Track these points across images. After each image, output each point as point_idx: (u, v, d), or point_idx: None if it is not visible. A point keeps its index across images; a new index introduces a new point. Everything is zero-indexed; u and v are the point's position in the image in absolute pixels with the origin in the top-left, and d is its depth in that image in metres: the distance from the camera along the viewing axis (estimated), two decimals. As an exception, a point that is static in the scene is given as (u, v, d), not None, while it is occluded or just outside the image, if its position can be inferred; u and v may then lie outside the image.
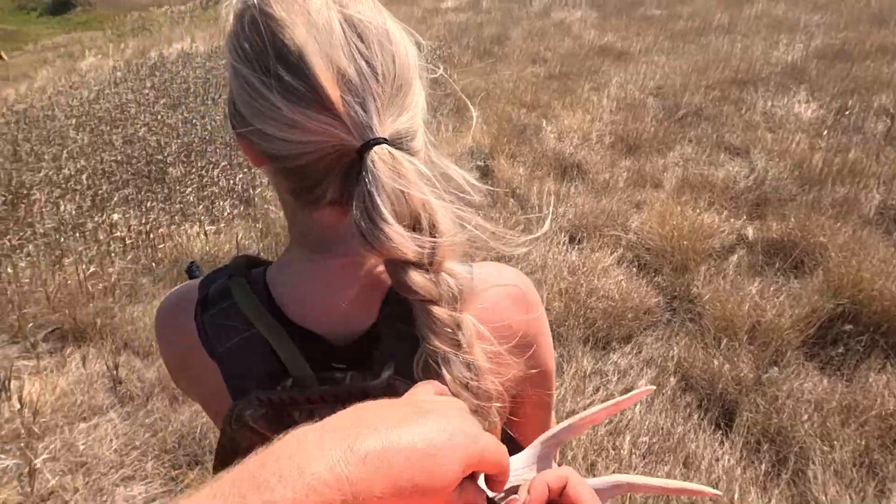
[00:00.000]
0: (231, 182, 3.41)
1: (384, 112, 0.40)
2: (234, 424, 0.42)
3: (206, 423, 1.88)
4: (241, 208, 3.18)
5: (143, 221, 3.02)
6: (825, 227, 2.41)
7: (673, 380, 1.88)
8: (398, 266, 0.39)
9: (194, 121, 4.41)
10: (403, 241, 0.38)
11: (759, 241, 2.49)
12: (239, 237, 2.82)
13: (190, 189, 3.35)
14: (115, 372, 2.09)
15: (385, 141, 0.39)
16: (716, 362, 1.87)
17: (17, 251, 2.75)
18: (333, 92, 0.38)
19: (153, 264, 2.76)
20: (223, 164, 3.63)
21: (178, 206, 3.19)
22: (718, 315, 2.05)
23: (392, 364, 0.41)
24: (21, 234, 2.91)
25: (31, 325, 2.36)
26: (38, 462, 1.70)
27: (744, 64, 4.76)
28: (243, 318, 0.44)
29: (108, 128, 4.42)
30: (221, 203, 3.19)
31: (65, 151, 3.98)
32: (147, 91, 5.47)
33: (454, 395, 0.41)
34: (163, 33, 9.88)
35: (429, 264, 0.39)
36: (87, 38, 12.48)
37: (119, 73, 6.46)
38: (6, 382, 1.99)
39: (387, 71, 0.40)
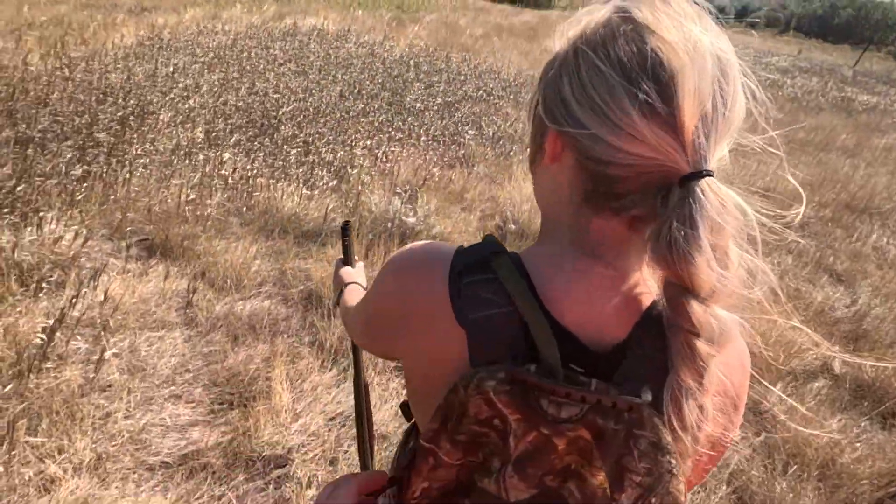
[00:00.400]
0: (332, 156, 3.56)
1: (717, 146, 0.41)
2: (472, 390, 0.42)
3: (256, 369, 1.94)
4: (335, 183, 3.30)
5: (248, 167, 3.19)
6: (927, 384, 2.23)
7: (725, 488, 1.77)
8: (681, 292, 0.40)
9: (313, 91, 4.65)
10: (710, 273, 0.38)
11: (847, 377, 2.33)
12: (329, 207, 2.93)
13: (294, 151, 3.52)
14: (191, 295, 2.19)
15: (712, 173, 0.40)
16: (778, 488, 1.74)
17: (136, 160, 2.96)
18: (691, 121, 0.40)
19: (244, 208, 2.90)
20: (329, 137, 3.80)
21: (280, 163, 3.35)
22: (790, 439, 1.91)
23: (648, 388, 0.41)
24: (143, 146, 3.14)
25: (129, 228, 2.53)
26: (108, 354, 1.79)
27: (863, 192, 4.53)
28: (504, 294, 0.44)
29: (238, 75, 4.74)
30: (320, 171, 3.33)
31: (194, 84, 4.29)
32: (277, 52, 5.84)
33: (679, 435, 0.41)
34: (300, 5, 10.56)
35: (707, 299, 0.39)
36: (233, -8, 13.51)
37: (255, 30, 6.94)
38: (97, 273, 2.13)
39: (731, 110, 0.41)
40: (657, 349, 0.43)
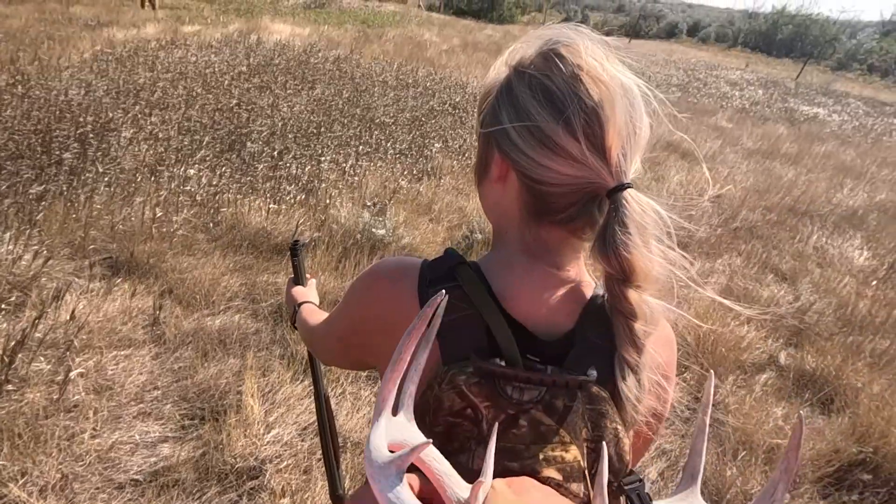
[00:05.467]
0: (300, 171, 3.58)
1: (632, 162, 0.51)
2: (445, 385, 0.48)
3: (227, 383, 1.94)
4: (303, 197, 3.32)
5: (214, 183, 3.18)
6: (862, 372, 2.41)
7: (681, 475, 1.87)
8: (620, 282, 0.49)
9: (279, 106, 4.67)
10: (641, 263, 0.48)
11: (791, 368, 2.49)
12: (298, 221, 2.95)
13: (261, 167, 3.53)
14: (157, 312, 2.18)
15: (631, 185, 0.50)
16: (728, 472, 1.86)
17: (99, 178, 2.92)
18: (615, 143, 0.49)
19: (212, 224, 2.90)
20: (296, 151, 3.82)
21: (247, 178, 3.35)
22: (739, 427, 2.05)
23: (593, 367, 0.49)
24: (104, 164, 3.09)
25: (92, 246, 2.49)
26: (73, 374, 1.77)
27: (805, 196, 4.84)
28: (465, 299, 0.51)
29: (203, 90, 4.71)
30: (287, 186, 3.35)
31: (156, 100, 4.25)
32: (241, 68, 5.83)
33: (624, 405, 0.49)
34: (264, 20, 10.53)
35: (640, 286, 0.49)
36: (194, 6, 13.35)
37: (218, 45, 6.89)
38: (61, 293, 2.10)
39: (639, 129, 0.51)
40: (601, 335, 0.51)
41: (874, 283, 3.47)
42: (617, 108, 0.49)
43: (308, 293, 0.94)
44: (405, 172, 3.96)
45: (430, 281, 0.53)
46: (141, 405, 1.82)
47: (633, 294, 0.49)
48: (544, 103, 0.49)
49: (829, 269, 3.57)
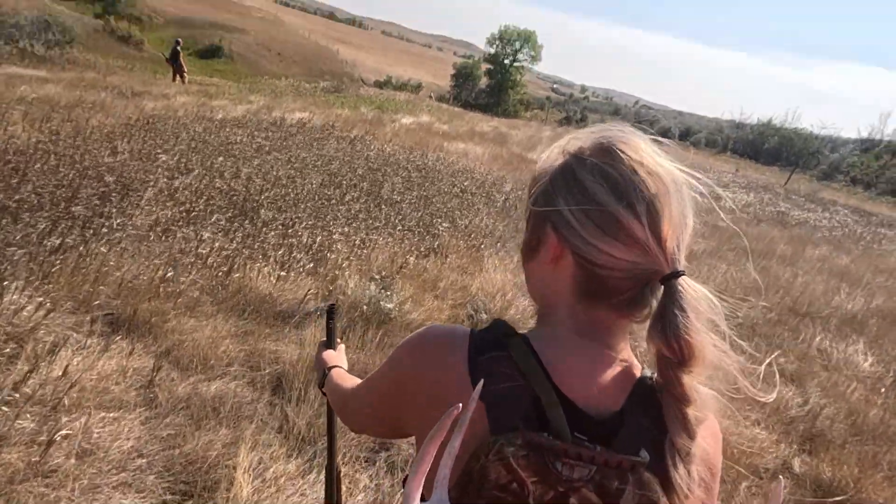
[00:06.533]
0: (310, 240, 3.64)
1: (683, 250, 0.53)
2: (492, 457, 0.46)
3: (217, 455, 1.83)
4: (311, 266, 3.35)
5: (226, 246, 3.22)
6: (882, 486, 2.29)
7: None
8: (674, 365, 0.49)
9: (295, 178, 4.85)
10: (698, 348, 0.48)
11: (807, 477, 2.37)
12: (307, 289, 2.95)
13: (273, 234, 3.59)
14: (154, 374, 2.11)
15: (685, 273, 0.52)
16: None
17: (113, 233, 2.96)
18: (670, 232, 0.52)
19: (219, 287, 2.89)
20: (308, 222, 3.91)
21: (258, 244, 3.40)
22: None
23: (643, 449, 0.47)
24: (120, 221, 3.15)
25: (96, 302, 2.46)
26: (58, 436, 1.67)
27: (803, 297, 4.90)
28: (517, 370, 0.51)
29: (223, 159, 4.91)
30: (297, 254, 3.39)
31: (179, 166, 4.42)
32: (262, 141, 6.12)
33: (673, 494, 0.47)
34: (286, 100, 11.24)
35: (693, 371, 0.49)
36: (223, 84, 14.31)
37: (242, 119, 7.29)
38: (56, 348, 2.04)
39: (688, 221, 0.54)
40: (650, 418, 0.51)
41: (882, 390, 3.40)
42: (672, 199, 0.52)
43: (338, 358, 0.92)
44: (412, 249, 4.02)
45: (481, 349, 0.53)
46: (123, 474, 1.70)
47: (686, 379, 0.50)
48: (608, 190, 0.52)
49: (835, 373, 3.52)
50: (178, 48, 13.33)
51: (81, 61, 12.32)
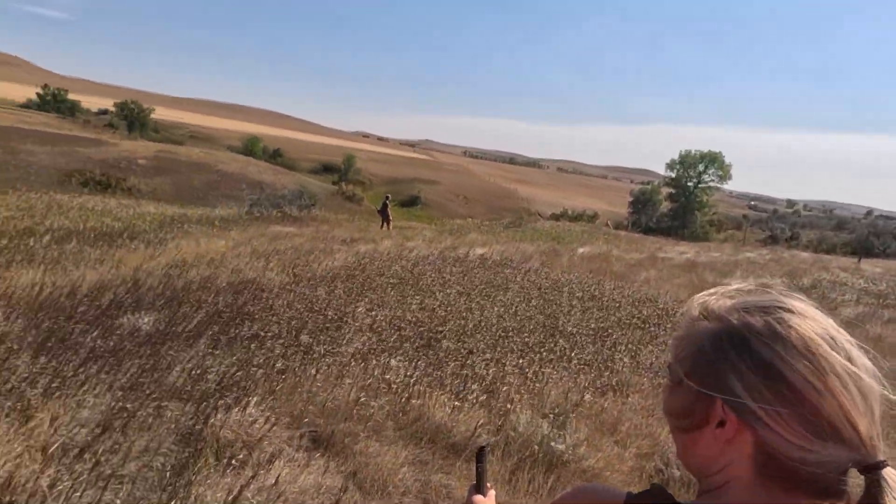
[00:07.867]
0: (485, 371, 3.75)
1: (881, 436, 0.49)
2: None
3: None
4: (484, 398, 3.40)
5: (410, 374, 3.52)
6: None
7: None
8: None
9: (474, 309, 5.19)
10: None
11: None
12: (478, 423, 2.98)
13: (452, 364, 3.81)
14: (341, 494, 2.30)
15: (888, 463, 0.47)
16: None
17: (322, 359, 3.51)
18: (864, 418, 0.49)
19: (401, 413, 3.11)
20: (486, 354, 4.06)
21: (438, 373, 3.63)
22: None
23: None
24: (330, 348, 3.74)
25: (305, 420, 2.88)
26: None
27: None
28: None
29: (413, 292, 5.57)
30: (472, 385, 3.50)
31: (379, 299, 5.15)
32: (447, 276, 6.81)
33: None
34: (471, 237, 12.48)
35: None
36: (419, 227, 16.70)
37: (432, 257, 8.28)
38: (273, 458, 2.41)
39: (877, 405, 0.49)
40: None
41: None
42: (869, 390, 0.49)
43: None
44: (588, 385, 3.80)
45: None
46: None
47: None
48: (802, 366, 0.48)
49: None
50: (387, 201, 16.24)
51: (320, 218, 15.83)
